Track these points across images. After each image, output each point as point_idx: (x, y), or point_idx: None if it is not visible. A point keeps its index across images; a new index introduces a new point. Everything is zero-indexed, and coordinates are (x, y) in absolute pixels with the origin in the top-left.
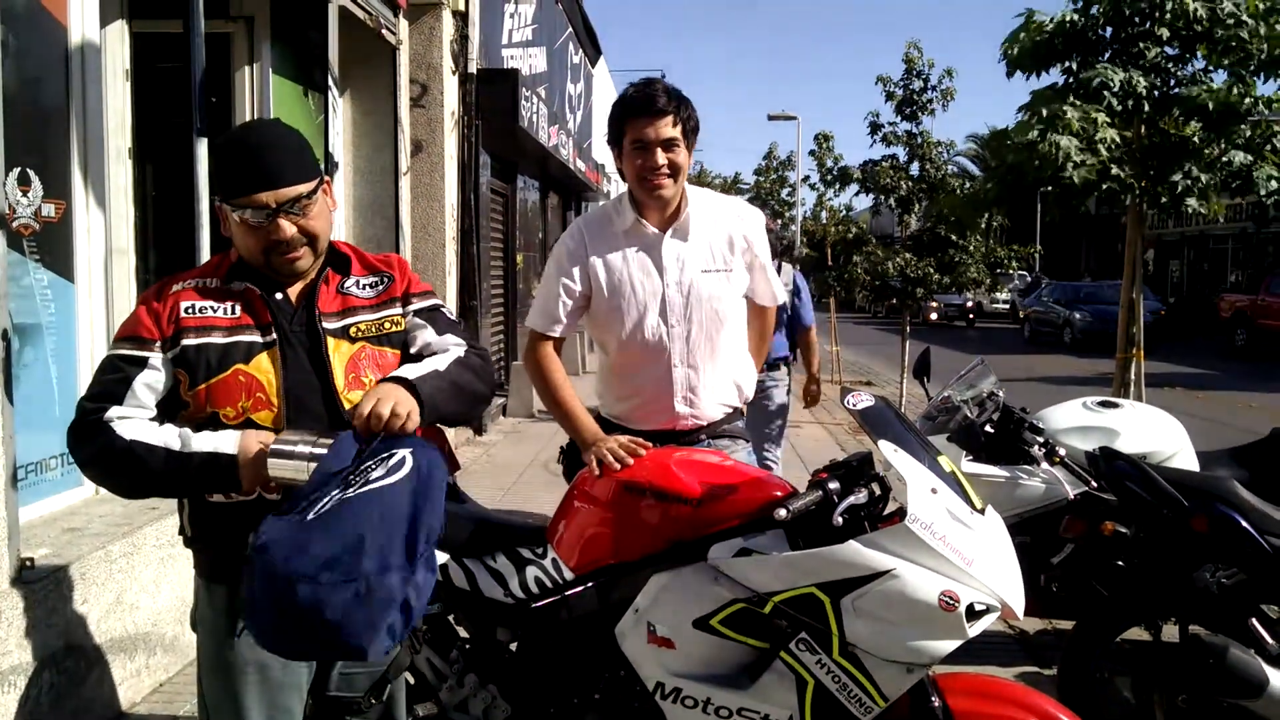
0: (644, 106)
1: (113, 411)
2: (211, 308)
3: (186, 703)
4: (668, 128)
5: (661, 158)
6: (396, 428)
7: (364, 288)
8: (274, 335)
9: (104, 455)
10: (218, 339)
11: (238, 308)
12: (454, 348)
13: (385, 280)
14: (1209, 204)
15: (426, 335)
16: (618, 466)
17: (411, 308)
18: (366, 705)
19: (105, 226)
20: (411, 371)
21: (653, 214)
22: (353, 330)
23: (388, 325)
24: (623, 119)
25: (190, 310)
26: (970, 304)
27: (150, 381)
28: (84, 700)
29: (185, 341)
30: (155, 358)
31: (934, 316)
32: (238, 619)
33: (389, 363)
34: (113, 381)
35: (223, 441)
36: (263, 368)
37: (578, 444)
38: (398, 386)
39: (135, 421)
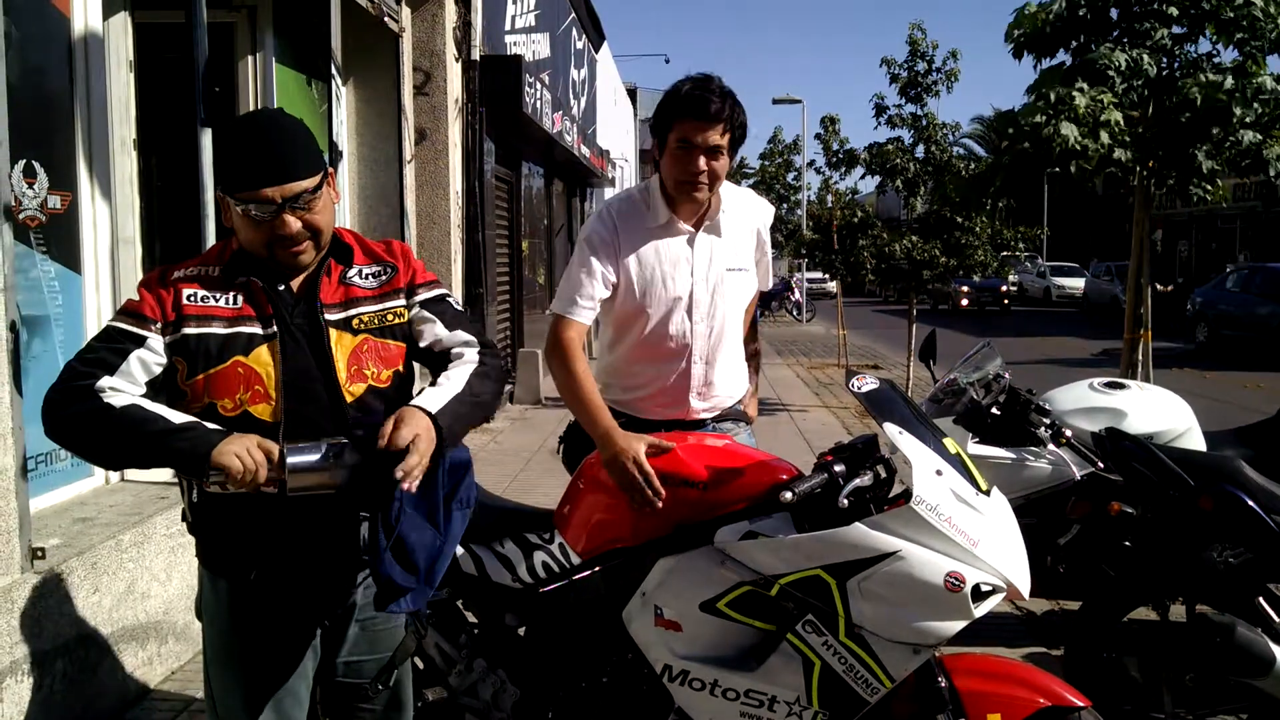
0: (697, 109)
1: (105, 380)
2: (214, 297)
3: (199, 690)
4: (716, 135)
5: (703, 164)
6: (410, 467)
7: (366, 278)
8: (275, 328)
9: (91, 418)
10: (219, 329)
11: (240, 298)
12: (467, 351)
13: (389, 270)
14: (1215, 188)
15: (436, 330)
16: (659, 505)
17: (417, 299)
18: (374, 690)
19: (111, 217)
20: (434, 400)
21: (686, 210)
22: (355, 322)
23: (390, 317)
24: (672, 116)
25: (193, 298)
26: (1006, 288)
27: (146, 359)
28: (97, 688)
29: (186, 330)
30: (155, 339)
31: (965, 303)
32: (241, 610)
33: (392, 354)
34: (109, 350)
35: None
36: (262, 360)
37: (594, 439)
38: (424, 418)
39: (126, 395)
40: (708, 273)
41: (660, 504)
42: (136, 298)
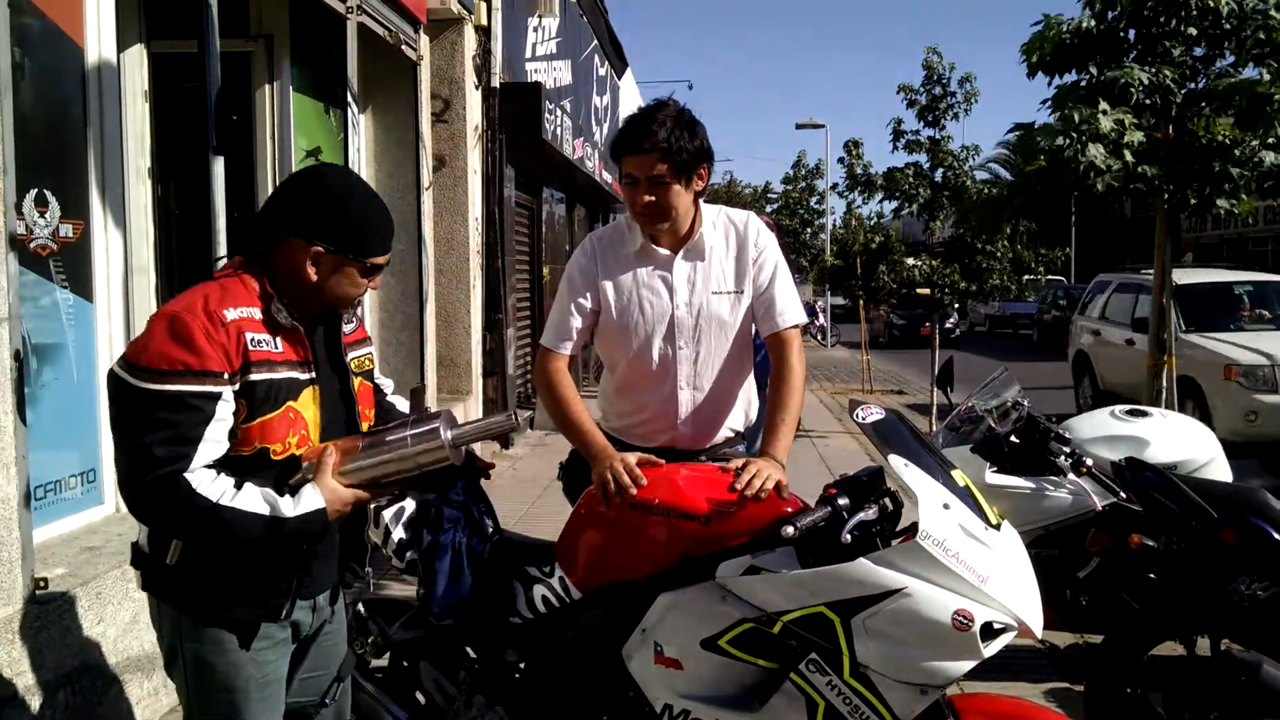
0: (629, 143)
1: (194, 461)
2: (268, 341)
3: None
4: (651, 165)
5: (647, 195)
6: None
7: (348, 321)
8: (314, 372)
9: (183, 517)
10: (276, 374)
11: (281, 342)
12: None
13: (356, 319)
14: (1239, 203)
15: (384, 383)
16: (634, 491)
17: (372, 349)
18: (322, 706)
19: (124, 246)
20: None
21: (663, 236)
22: (354, 364)
23: (367, 362)
24: (615, 151)
25: (254, 343)
26: None
27: (224, 416)
28: None
29: (253, 375)
30: (227, 390)
31: None
32: (234, 659)
33: (372, 397)
34: (189, 424)
35: (307, 500)
36: (307, 404)
37: (588, 460)
38: None
39: (214, 479)
40: (690, 296)
41: (635, 491)
42: (194, 347)
